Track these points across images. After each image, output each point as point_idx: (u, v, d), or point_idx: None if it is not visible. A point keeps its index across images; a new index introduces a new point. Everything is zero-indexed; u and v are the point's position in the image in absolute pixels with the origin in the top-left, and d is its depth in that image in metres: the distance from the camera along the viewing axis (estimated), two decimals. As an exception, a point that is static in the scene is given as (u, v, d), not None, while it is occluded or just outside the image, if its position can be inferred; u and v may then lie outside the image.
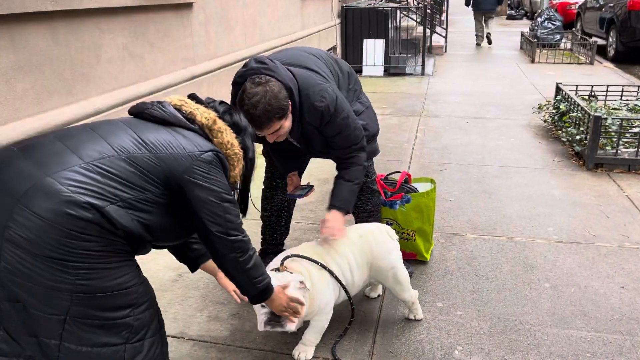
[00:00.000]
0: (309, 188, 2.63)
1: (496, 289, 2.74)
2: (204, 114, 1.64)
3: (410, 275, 2.84)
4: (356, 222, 2.88)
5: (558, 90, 5.53)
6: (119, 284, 1.44)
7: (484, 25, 12.11)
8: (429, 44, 10.62)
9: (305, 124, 2.31)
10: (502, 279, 2.83)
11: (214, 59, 4.16)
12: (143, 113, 1.61)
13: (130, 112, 1.67)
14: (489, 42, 12.16)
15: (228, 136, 1.67)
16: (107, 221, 1.39)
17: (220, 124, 1.66)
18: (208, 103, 1.74)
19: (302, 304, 2.04)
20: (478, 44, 12.26)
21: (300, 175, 2.71)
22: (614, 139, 4.35)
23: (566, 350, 2.28)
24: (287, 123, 2.18)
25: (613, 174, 4.24)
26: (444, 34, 11.62)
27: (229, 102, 1.87)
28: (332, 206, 2.37)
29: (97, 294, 1.41)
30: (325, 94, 2.26)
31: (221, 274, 2.04)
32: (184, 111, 1.64)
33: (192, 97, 1.73)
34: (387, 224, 2.97)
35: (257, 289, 1.79)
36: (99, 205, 1.37)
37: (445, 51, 11.32)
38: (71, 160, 1.40)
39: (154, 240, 1.56)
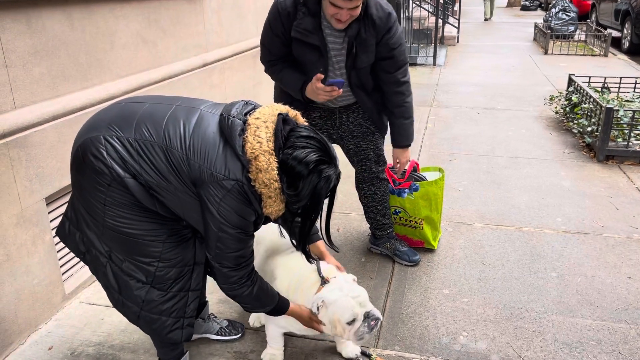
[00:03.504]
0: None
1: (503, 277, 2.76)
2: (253, 146, 1.58)
3: (418, 262, 2.88)
4: (365, 211, 2.92)
5: (570, 81, 5.50)
6: None
7: (490, 4, 15.50)
8: (441, 34, 10.55)
9: (367, 23, 2.32)
10: (509, 268, 2.85)
11: (225, 46, 4.18)
12: (221, 115, 1.66)
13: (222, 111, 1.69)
14: (490, 16, 15.71)
15: (265, 175, 1.59)
16: None
17: (263, 162, 1.58)
18: (291, 130, 1.67)
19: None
20: (485, 19, 15.59)
21: None
22: (626, 131, 4.32)
23: (571, 338, 2.30)
24: (359, 9, 2.24)
25: (624, 166, 4.22)
26: (456, 25, 11.54)
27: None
28: (402, 146, 2.67)
29: None
30: (390, 6, 2.39)
31: (328, 258, 2.11)
32: (245, 133, 1.61)
33: (284, 118, 1.68)
34: (395, 212, 2.99)
35: (265, 311, 1.90)
36: None
37: (458, 42, 11.23)
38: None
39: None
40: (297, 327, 2.04)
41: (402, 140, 2.66)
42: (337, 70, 2.43)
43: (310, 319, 1.95)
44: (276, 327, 2.11)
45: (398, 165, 2.75)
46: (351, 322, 1.86)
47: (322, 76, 2.31)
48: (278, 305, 1.89)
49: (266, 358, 2.17)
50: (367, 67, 2.46)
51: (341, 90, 2.33)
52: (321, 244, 2.11)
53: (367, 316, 1.87)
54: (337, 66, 2.42)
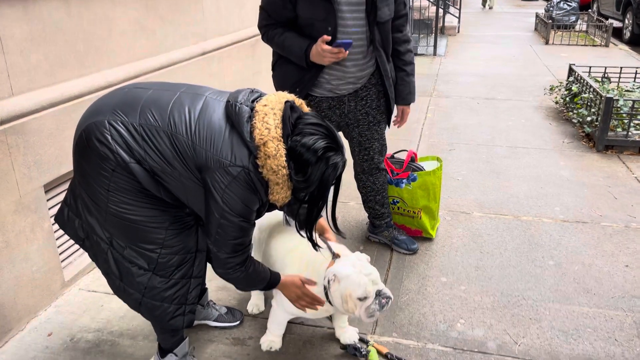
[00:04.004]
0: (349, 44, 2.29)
1: (500, 265, 2.77)
2: (262, 132, 1.59)
3: (416, 251, 2.89)
4: (364, 201, 2.92)
5: (571, 71, 5.48)
6: None
7: None
8: (441, 24, 10.50)
9: None
10: (507, 256, 2.85)
11: (224, 35, 4.16)
12: (228, 102, 1.66)
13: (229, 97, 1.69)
14: (490, 7, 16.12)
15: (274, 162, 1.59)
16: None
17: (272, 148, 1.58)
18: (298, 117, 1.68)
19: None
20: (483, 7, 16.20)
21: None
22: (625, 121, 4.31)
23: (567, 325, 2.32)
24: None
25: (623, 155, 4.22)
26: (457, 15, 11.48)
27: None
28: (410, 102, 2.72)
29: None
30: None
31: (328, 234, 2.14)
32: (253, 120, 1.61)
33: (291, 106, 1.68)
34: (393, 202, 3.00)
35: (256, 288, 1.94)
36: None
37: (458, 32, 11.18)
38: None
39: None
40: (311, 312, 2.04)
41: (412, 97, 2.72)
42: (349, 28, 2.32)
43: (303, 284, 1.95)
44: (285, 314, 2.11)
45: (403, 121, 2.83)
46: (363, 299, 1.85)
47: (329, 38, 2.23)
48: (270, 282, 1.92)
49: (265, 345, 2.18)
50: (389, 23, 2.44)
51: (347, 52, 2.27)
52: (322, 220, 2.12)
53: (379, 294, 1.86)
54: (350, 22, 2.32)
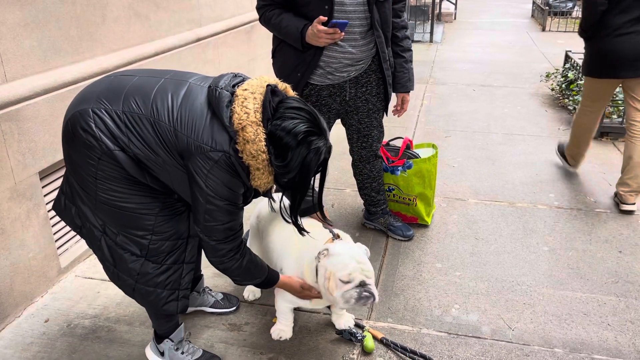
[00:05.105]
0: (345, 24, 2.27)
1: (495, 251, 2.79)
2: (240, 116, 1.57)
3: (411, 237, 2.91)
4: (359, 187, 2.93)
5: (567, 58, 5.47)
6: None
7: None
8: (438, 10, 10.44)
9: None
10: (502, 242, 2.87)
11: (219, 21, 4.13)
12: (209, 87, 1.65)
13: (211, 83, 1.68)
14: None
15: (253, 147, 1.58)
16: None
17: (251, 132, 1.57)
18: (280, 101, 1.66)
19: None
20: None
21: None
22: (621, 108, 4.32)
23: (560, 310, 2.34)
24: None
25: (618, 142, 4.23)
26: (453, 1, 11.41)
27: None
28: (410, 90, 2.72)
29: None
30: None
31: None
32: (233, 104, 1.60)
33: (272, 90, 1.66)
34: (389, 189, 3.00)
35: (255, 284, 1.92)
36: None
37: (455, 18, 11.13)
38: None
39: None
40: (311, 303, 2.04)
41: (411, 85, 2.73)
42: (347, 6, 2.30)
43: (302, 288, 1.97)
44: (285, 302, 2.11)
45: (403, 110, 2.81)
46: (345, 282, 1.80)
47: (325, 19, 2.21)
48: (267, 278, 1.91)
49: (274, 334, 2.18)
50: (389, 3, 2.42)
51: (343, 33, 2.26)
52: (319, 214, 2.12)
53: (363, 285, 1.80)
54: (348, 1, 2.29)
